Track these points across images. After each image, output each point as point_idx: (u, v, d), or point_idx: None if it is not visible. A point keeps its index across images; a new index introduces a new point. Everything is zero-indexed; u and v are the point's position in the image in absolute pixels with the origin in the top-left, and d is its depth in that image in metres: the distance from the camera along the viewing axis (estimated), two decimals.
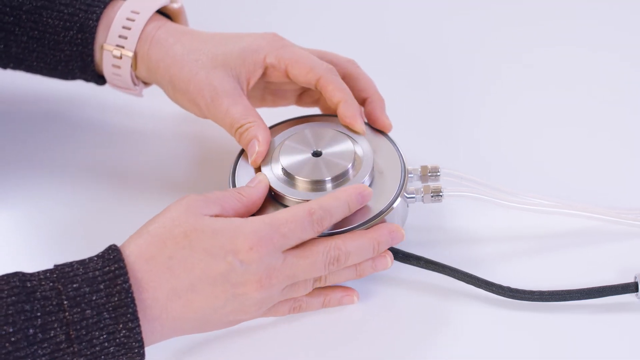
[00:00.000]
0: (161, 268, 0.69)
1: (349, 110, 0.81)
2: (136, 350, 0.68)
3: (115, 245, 0.70)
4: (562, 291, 0.76)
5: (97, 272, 0.67)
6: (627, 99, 0.97)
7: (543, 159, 0.91)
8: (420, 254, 0.79)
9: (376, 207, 0.77)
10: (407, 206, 0.81)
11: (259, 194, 0.76)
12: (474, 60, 1.03)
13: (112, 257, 0.68)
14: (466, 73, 1.02)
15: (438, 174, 0.82)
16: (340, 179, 0.78)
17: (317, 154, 0.79)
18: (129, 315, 0.67)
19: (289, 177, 0.78)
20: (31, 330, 0.65)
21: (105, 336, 0.66)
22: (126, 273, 0.67)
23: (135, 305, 0.67)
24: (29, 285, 0.66)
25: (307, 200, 0.76)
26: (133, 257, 0.69)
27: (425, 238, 0.83)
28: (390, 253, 0.77)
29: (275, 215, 0.72)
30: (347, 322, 0.78)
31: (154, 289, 0.68)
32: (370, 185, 0.78)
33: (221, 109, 0.81)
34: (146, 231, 0.71)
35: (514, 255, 0.82)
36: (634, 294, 0.76)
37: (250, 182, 0.77)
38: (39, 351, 0.65)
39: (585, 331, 0.76)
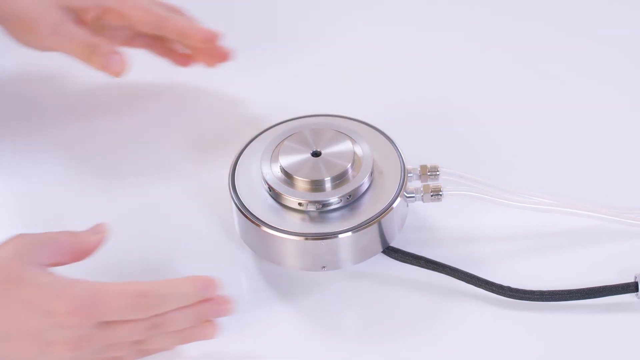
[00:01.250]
0: None
1: (201, 32, 0.89)
2: None
3: None
4: (562, 291, 0.76)
5: None
6: (627, 97, 0.97)
7: (543, 158, 0.91)
8: (420, 254, 0.79)
9: (376, 207, 0.77)
10: (407, 206, 0.81)
11: (96, 244, 0.73)
12: (473, 59, 1.03)
13: None
14: (465, 72, 1.02)
15: (437, 173, 0.82)
16: (339, 179, 0.78)
17: (316, 154, 0.79)
18: None
19: (288, 177, 0.78)
20: None
21: None
22: None
23: None
24: None
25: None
26: None
27: (424, 237, 0.83)
28: (215, 323, 0.72)
29: (105, 286, 0.68)
30: (346, 321, 0.78)
31: None
32: (370, 185, 0.78)
33: (68, 33, 0.86)
34: None
35: (514, 254, 0.82)
36: (634, 294, 0.76)
37: (94, 228, 0.73)
38: None
39: (585, 331, 0.76)
